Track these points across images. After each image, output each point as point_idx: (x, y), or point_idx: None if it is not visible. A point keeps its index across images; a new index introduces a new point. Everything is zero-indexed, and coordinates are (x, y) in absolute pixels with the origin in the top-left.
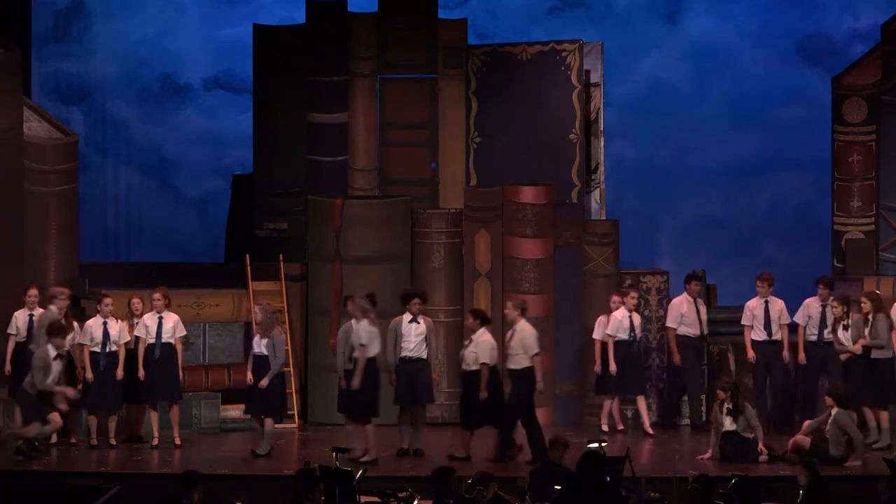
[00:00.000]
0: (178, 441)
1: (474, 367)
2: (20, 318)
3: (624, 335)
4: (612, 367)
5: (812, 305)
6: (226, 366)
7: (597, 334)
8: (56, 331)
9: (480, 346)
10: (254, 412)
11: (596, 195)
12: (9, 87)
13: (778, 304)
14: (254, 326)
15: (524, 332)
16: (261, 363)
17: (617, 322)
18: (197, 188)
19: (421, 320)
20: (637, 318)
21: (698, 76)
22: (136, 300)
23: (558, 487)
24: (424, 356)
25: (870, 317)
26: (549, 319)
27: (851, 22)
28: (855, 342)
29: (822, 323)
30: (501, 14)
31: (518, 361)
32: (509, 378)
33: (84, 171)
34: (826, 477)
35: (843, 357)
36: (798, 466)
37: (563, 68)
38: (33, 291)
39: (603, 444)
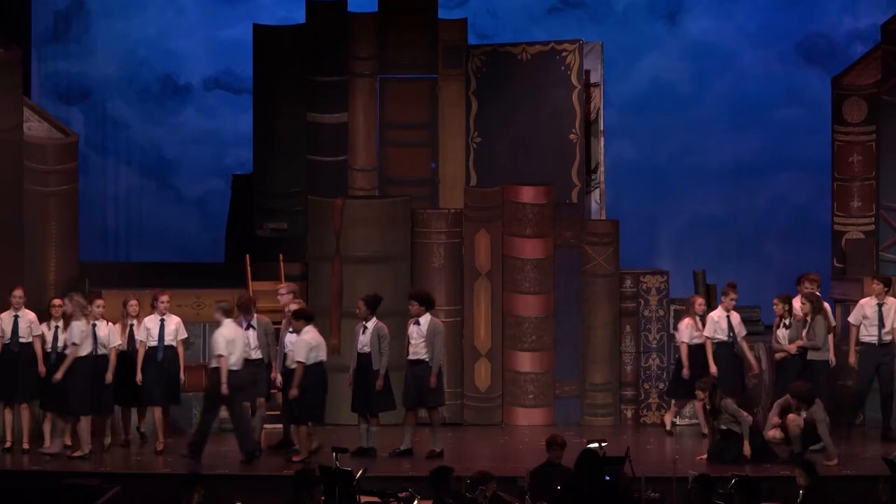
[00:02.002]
0: (160, 447)
1: (293, 366)
2: (5, 319)
3: (722, 336)
4: (713, 368)
5: (867, 305)
6: None
7: (683, 337)
8: (241, 307)
9: (297, 344)
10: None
11: (596, 195)
12: (9, 87)
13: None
14: (284, 324)
15: (215, 333)
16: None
17: (714, 322)
18: (197, 188)
19: (422, 321)
20: (735, 318)
21: (698, 76)
22: (133, 302)
23: (558, 487)
24: (426, 358)
25: (808, 318)
26: (549, 319)
27: (851, 22)
28: (792, 342)
29: (881, 323)
30: (501, 14)
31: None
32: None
33: (84, 171)
34: (826, 477)
35: (777, 356)
36: (797, 468)
37: (563, 68)
38: (18, 292)
39: (603, 444)
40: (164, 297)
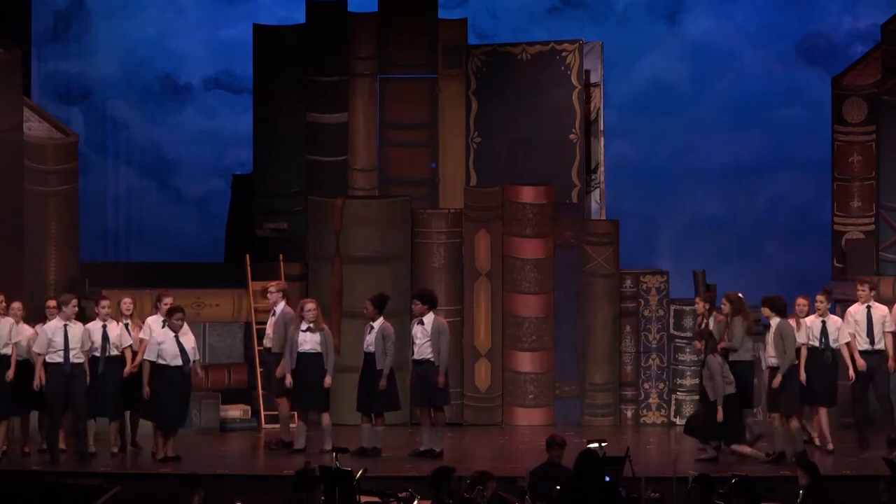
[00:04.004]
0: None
1: (175, 364)
2: None
3: (814, 342)
4: (802, 375)
5: None
6: (226, 366)
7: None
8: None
9: (188, 342)
10: (303, 408)
11: (596, 195)
12: (9, 87)
13: (881, 310)
14: (298, 321)
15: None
16: (310, 360)
17: (806, 328)
18: (197, 188)
19: (426, 321)
20: (833, 323)
21: (698, 76)
22: (126, 300)
23: (558, 487)
24: (431, 357)
25: (728, 318)
26: (549, 319)
27: (851, 22)
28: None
29: None
30: (501, 14)
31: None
32: None
33: (84, 171)
34: (826, 477)
35: (701, 357)
36: (797, 468)
37: (563, 68)
38: None
39: (603, 444)
40: (168, 300)
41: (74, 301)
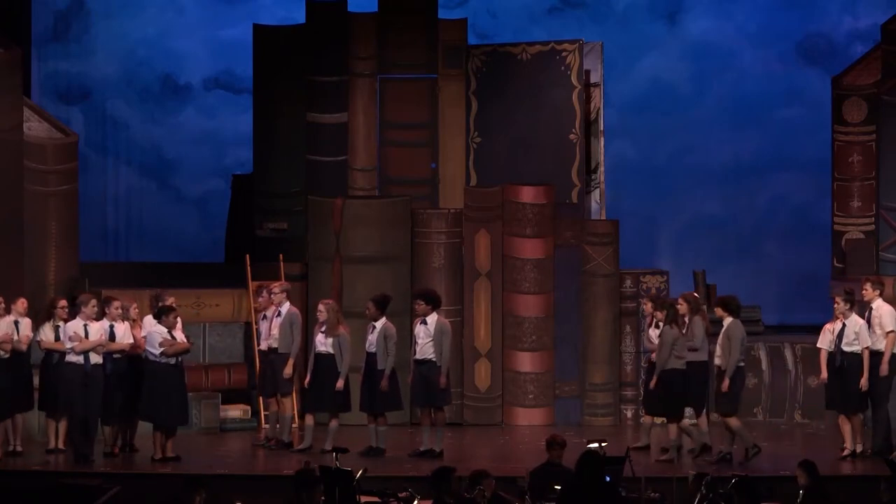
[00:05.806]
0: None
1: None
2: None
3: (832, 346)
4: (824, 376)
5: None
6: (226, 366)
7: (822, 343)
8: None
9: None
10: (315, 410)
11: (596, 195)
12: (9, 87)
13: (883, 310)
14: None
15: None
16: (324, 361)
17: (826, 331)
18: (197, 188)
19: (429, 321)
20: (853, 326)
21: (698, 76)
22: (133, 305)
23: (558, 487)
24: (433, 357)
25: (686, 318)
26: (549, 319)
27: (851, 22)
28: None
29: None
30: (501, 14)
31: None
32: None
33: (84, 171)
34: (826, 477)
35: (653, 357)
36: (797, 468)
37: (563, 68)
38: None
39: (603, 444)
40: (171, 299)
41: (94, 301)
